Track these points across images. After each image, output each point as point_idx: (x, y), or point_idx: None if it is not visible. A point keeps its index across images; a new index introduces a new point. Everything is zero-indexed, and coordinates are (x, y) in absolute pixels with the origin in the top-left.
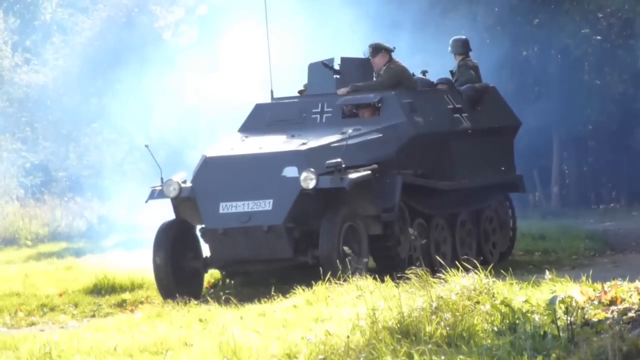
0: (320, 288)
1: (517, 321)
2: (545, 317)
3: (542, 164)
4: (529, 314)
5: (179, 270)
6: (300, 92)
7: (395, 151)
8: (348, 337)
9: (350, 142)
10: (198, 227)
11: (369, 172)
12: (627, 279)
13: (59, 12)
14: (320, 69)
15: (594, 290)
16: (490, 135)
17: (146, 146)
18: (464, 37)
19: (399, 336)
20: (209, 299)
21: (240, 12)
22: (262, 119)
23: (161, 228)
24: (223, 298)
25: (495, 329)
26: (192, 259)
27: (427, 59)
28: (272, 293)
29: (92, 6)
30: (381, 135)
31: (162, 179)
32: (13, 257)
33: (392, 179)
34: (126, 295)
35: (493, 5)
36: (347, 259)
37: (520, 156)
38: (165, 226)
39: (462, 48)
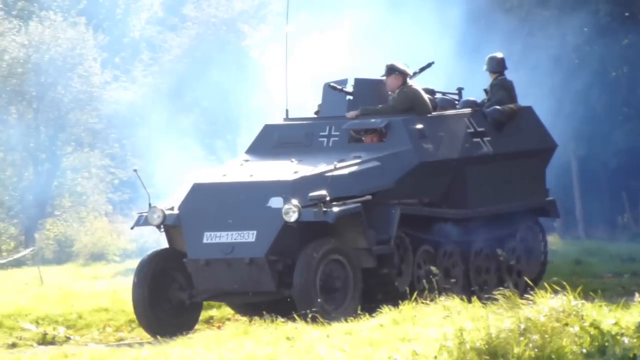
0: (406, 307)
1: (606, 344)
2: (635, 340)
3: (631, 185)
4: (618, 337)
5: (165, 302)
6: (316, 112)
7: (396, 180)
8: (435, 357)
9: (342, 172)
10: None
11: (358, 204)
12: None
13: (147, 30)
14: (341, 92)
15: None
16: (518, 159)
17: (135, 170)
18: (500, 54)
19: (487, 357)
20: (296, 317)
21: (327, 29)
22: (269, 141)
23: (142, 261)
24: (310, 316)
25: (584, 351)
26: (178, 289)
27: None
28: (359, 312)
29: (180, 24)
30: (379, 164)
31: (149, 204)
32: (101, 272)
33: (389, 210)
34: (213, 312)
35: (582, 25)
36: (434, 279)
37: (608, 178)
38: (146, 259)
39: (498, 66)
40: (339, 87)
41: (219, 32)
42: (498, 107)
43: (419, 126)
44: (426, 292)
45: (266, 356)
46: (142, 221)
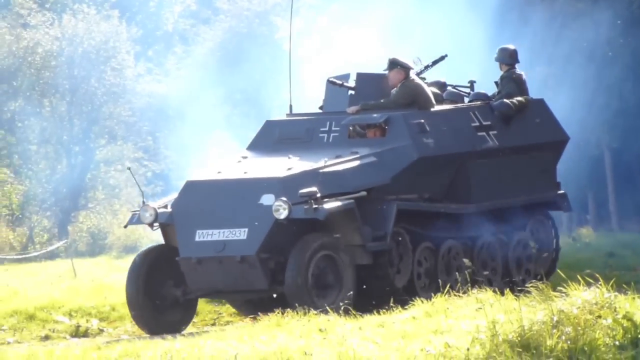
0: (439, 300)
1: (639, 336)
2: None
3: None
4: None
5: (160, 298)
6: (320, 108)
7: (393, 176)
8: (468, 349)
9: (336, 168)
10: None
11: (351, 200)
12: None
13: (180, 23)
14: (342, 87)
15: None
16: (527, 153)
17: (128, 168)
18: (512, 46)
19: (520, 349)
20: (329, 310)
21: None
22: (270, 137)
23: (136, 257)
24: (342, 308)
25: (617, 343)
26: (172, 286)
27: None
28: (391, 304)
29: (213, 17)
30: (376, 159)
31: (143, 202)
32: None
33: (385, 205)
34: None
35: (616, 18)
36: (466, 271)
37: None
38: (141, 255)
39: (510, 58)
40: (339, 82)
41: (252, 25)
42: (506, 100)
43: (420, 121)
44: (424, 287)
45: (299, 348)
46: (135, 219)
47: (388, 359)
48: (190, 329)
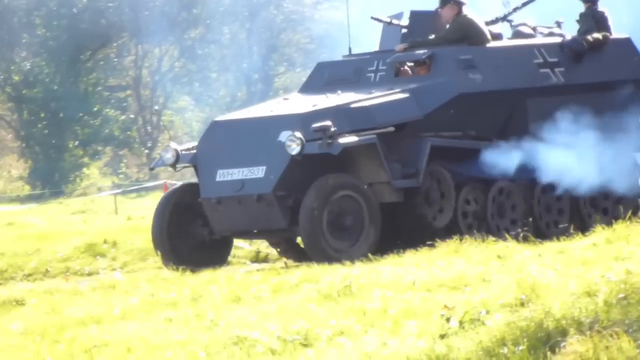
0: (620, 226)
1: None
2: None
3: None
4: None
5: (187, 237)
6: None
7: (428, 112)
8: None
9: (361, 104)
10: None
11: (372, 136)
12: None
13: None
14: (390, 25)
15: None
16: (602, 91)
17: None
18: None
19: None
20: (507, 237)
21: None
22: (320, 79)
23: (163, 197)
24: (521, 235)
25: None
26: (200, 226)
27: None
28: (571, 231)
29: None
30: (409, 95)
31: (169, 145)
32: None
33: (417, 142)
34: None
35: None
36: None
37: None
38: (170, 192)
39: None
40: (386, 19)
41: None
42: (577, 37)
43: (467, 56)
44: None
45: (477, 275)
46: (160, 162)
47: (567, 285)
48: None
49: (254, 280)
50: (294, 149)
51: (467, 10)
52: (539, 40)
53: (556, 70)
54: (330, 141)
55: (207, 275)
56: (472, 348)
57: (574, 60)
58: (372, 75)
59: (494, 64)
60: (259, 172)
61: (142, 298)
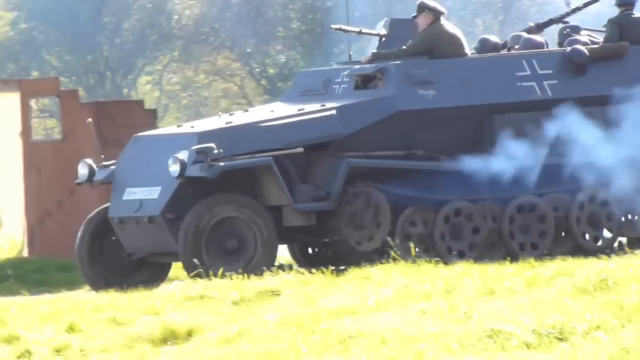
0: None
1: None
2: None
3: None
4: None
5: (112, 259)
6: None
7: (357, 130)
8: None
9: (271, 123)
10: None
11: (266, 158)
12: None
13: None
14: (361, 34)
15: None
16: (599, 105)
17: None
18: None
19: None
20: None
21: None
22: (298, 89)
23: (90, 215)
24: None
25: None
26: (121, 246)
27: None
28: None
29: None
30: (333, 113)
31: (102, 158)
32: None
33: (332, 162)
34: None
35: None
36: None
37: None
38: (94, 214)
39: None
40: (346, 28)
41: None
42: (579, 47)
43: (420, 71)
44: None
45: None
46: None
47: None
48: None
49: (508, 273)
50: (175, 171)
51: (444, 20)
52: (535, 51)
53: (545, 83)
54: (212, 164)
55: (460, 267)
56: None
57: (575, 72)
58: (337, 87)
59: (457, 79)
60: (155, 192)
61: (395, 289)
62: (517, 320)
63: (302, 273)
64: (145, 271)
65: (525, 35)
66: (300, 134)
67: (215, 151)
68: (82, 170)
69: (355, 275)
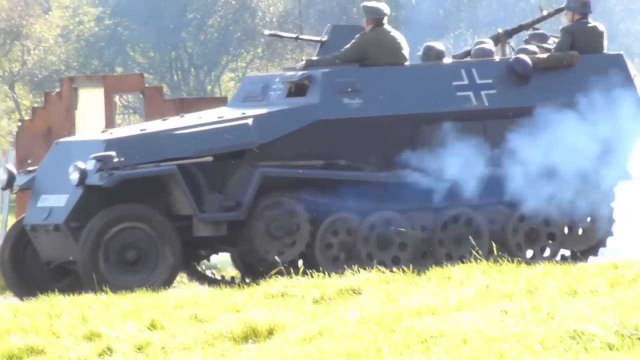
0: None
1: None
2: None
3: None
4: None
5: (37, 266)
6: None
7: (272, 140)
8: None
9: (181, 132)
10: None
11: (170, 167)
12: None
13: None
14: (298, 39)
15: None
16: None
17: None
18: None
19: None
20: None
21: None
22: (242, 94)
23: (16, 222)
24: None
25: None
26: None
27: None
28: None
29: None
30: (248, 121)
31: (28, 163)
32: None
33: (246, 172)
34: None
35: None
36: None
37: None
38: (17, 221)
39: (582, 7)
40: (280, 34)
41: None
42: (522, 56)
43: (347, 79)
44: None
45: None
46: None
47: None
48: None
49: (591, 274)
50: (74, 179)
51: (387, 26)
52: (477, 60)
53: (483, 93)
54: (111, 172)
55: (542, 267)
56: None
57: (517, 82)
58: (273, 93)
59: (386, 88)
60: (62, 200)
61: (477, 289)
62: (599, 321)
63: (383, 272)
64: (67, 279)
65: (484, 43)
66: (209, 142)
67: (116, 160)
68: (2, 176)
69: (436, 274)
